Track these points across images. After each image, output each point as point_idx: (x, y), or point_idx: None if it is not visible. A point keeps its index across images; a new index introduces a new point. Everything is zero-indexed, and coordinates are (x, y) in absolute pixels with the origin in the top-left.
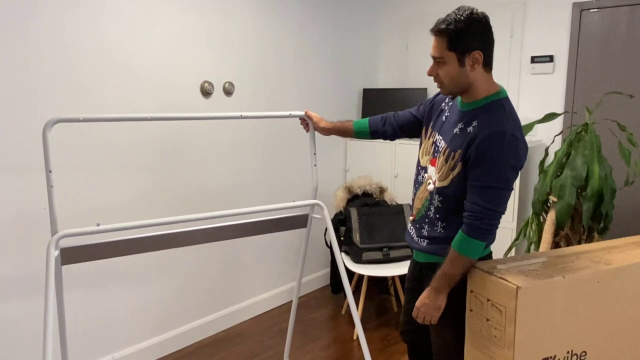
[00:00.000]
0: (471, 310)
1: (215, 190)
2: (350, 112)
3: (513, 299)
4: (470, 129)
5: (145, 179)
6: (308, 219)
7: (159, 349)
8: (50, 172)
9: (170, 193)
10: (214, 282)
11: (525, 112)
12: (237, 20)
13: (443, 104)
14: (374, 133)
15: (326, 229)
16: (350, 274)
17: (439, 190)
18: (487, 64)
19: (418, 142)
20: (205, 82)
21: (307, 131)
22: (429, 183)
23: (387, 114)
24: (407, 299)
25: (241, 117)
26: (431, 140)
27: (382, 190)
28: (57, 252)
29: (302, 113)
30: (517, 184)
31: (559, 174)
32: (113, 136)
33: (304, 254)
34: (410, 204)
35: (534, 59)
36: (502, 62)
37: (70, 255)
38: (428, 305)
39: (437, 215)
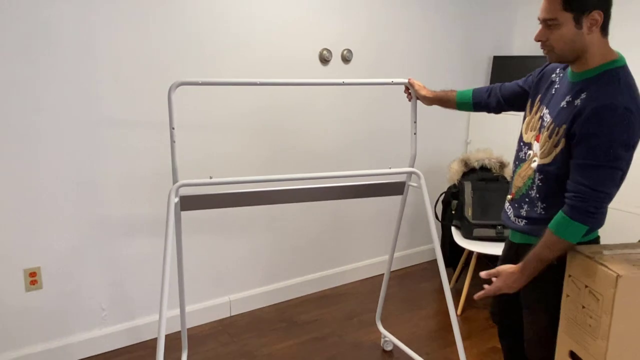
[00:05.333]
0: (568, 296)
1: (324, 153)
2: (478, 82)
3: (612, 288)
4: (577, 101)
5: (259, 140)
6: (405, 186)
7: (268, 296)
8: (173, 129)
9: (280, 154)
10: (325, 242)
11: None
12: None
13: (554, 75)
14: (477, 105)
15: (437, 202)
16: (460, 249)
17: (540, 168)
18: (605, 28)
19: None
20: (324, 49)
21: (410, 100)
22: (534, 160)
23: (493, 85)
24: None
25: (343, 84)
26: (538, 114)
27: (502, 166)
28: (177, 199)
29: (405, 80)
30: None
31: None
32: (233, 100)
33: (399, 222)
34: (510, 181)
35: None
36: None
37: (189, 203)
38: (505, 280)
39: (538, 195)
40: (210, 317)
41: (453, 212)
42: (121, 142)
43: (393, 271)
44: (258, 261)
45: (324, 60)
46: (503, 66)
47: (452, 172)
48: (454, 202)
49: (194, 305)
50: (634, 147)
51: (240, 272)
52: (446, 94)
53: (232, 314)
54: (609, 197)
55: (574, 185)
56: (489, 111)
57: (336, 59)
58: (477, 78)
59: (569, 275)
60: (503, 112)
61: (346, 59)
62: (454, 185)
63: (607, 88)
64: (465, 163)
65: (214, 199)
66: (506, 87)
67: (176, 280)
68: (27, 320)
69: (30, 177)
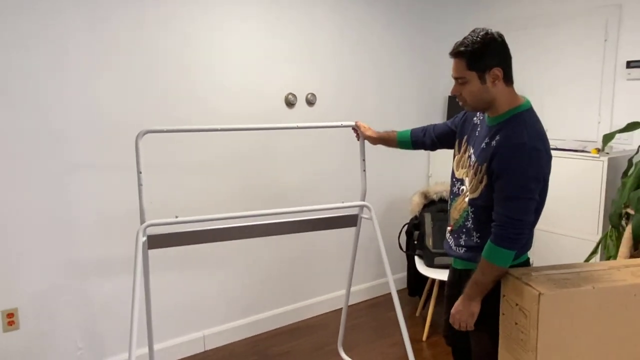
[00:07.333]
0: (503, 314)
1: (289, 190)
2: (435, 120)
3: (536, 304)
4: (493, 142)
5: (225, 179)
6: (358, 219)
7: (241, 330)
8: (140, 173)
9: (247, 191)
10: (296, 275)
11: (620, 120)
12: (320, 35)
13: (475, 119)
14: (415, 143)
15: (400, 233)
16: (424, 277)
17: (471, 202)
18: (508, 79)
19: None
20: (289, 94)
21: (358, 139)
22: (467, 195)
23: (428, 125)
24: (447, 304)
25: (297, 128)
26: (467, 154)
27: None
28: (144, 238)
29: (352, 123)
30: (602, 195)
31: (638, 185)
32: (200, 142)
33: (354, 253)
34: (448, 214)
35: (630, 64)
36: (595, 67)
37: (156, 242)
38: (462, 312)
39: (473, 226)
40: (185, 353)
41: (415, 242)
42: (92, 185)
43: (364, 301)
44: (231, 296)
45: (290, 103)
46: (457, 105)
47: (413, 205)
48: (416, 232)
49: (169, 341)
50: (544, 180)
51: (214, 307)
52: (388, 134)
53: (206, 349)
54: (526, 224)
55: (496, 216)
56: (425, 149)
57: (301, 102)
58: (434, 116)
59: (504, 295)
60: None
61: (310, 102)
62: (415, 216)
63: (515, 130)
64: (425, 195)
65: (179, 237)
66: (438, 127)
67: (151, 316)
68: None
69: (5, 221)
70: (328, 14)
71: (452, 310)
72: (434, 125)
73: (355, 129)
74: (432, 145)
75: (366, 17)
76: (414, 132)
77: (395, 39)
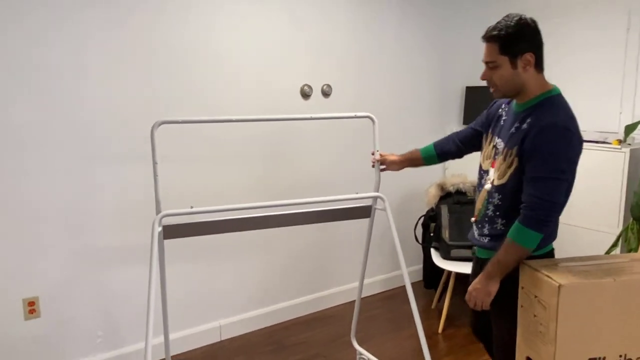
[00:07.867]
0: (522, 306)
1: (305, 181)
2: (451, 112)
3: (555, 296)
4: (524, 125)
5: (242, 170)
6: (371, 210)
7: (258, 320)
8: (156, 163)
9: (260, 182)
10: (313, 265)
11: None
12: (335, 25)
13: (500, 110)
14: (440, 155)
15: (416, 225)
16: (440, 270)
17: (497, 188)
18: (539, 65)
19: None
20: (305, 85)
21: (373, 167)
22: (489, 183)
23: (450, 135)
24: None
25: (311, 119)
26: (492, 144)
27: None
28: (160, 229)
29: (367, 114)
30: (624, 187)
31: None
32: (217, 133)
33: (367, 245)
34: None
35: None
36: (617, 57)
37: (171, 232)
38: (479, 289)
39: (497, 213)
40: (201, 342)
41: (432, 234)
42: (111, 176)
43: (380, 292)
44: (248, 286)
45: (305, 95)
46: (475, 96)
47: (429, 197)
48: (432, 224)
49: (185, 331)
50: (575, 162)
51: (231, 298)
52: (412, 153)
53: (222, 339)
54: (557, 205)
55: (526, 197)
56: (452, 157)
57: (316, 94)
58: (451, 108)
59: (522, 287)
60: (465, 155)
61: (326, 93)
62: (432, 208)
63: (548, 111)
64: (442, 187)
65: (194, 227)
66: (461, 132)
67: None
68: (27, 348)
69: (25, 210)
70: (343, 4)
71: (470, 288)
72: (456, 132)
73: (372, 155)
74: (458, 152)
75: (382, 8)
76: (436, 144)
77: (411, 30)
